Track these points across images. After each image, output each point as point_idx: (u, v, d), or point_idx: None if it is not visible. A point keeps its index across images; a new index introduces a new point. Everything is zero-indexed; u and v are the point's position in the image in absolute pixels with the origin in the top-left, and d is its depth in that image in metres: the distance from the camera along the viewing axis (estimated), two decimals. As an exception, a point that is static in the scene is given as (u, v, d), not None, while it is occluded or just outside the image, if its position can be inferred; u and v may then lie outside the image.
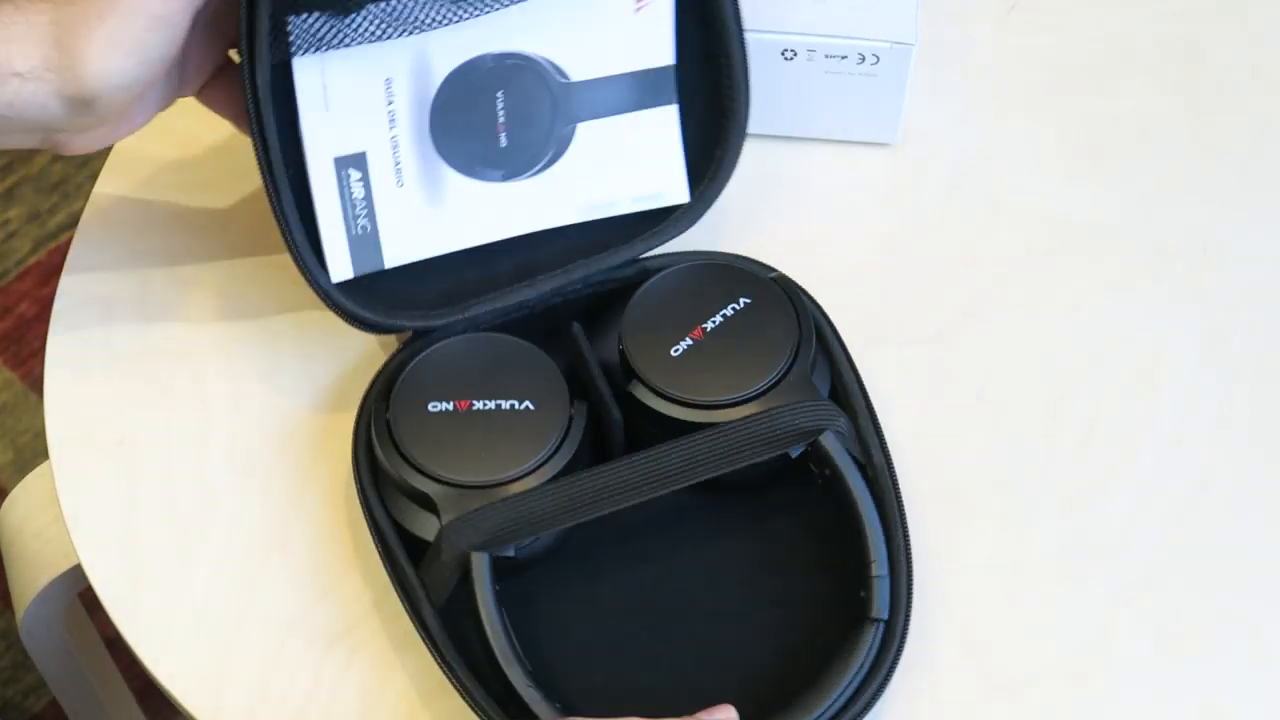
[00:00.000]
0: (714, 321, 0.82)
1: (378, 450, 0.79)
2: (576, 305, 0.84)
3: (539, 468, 0.78)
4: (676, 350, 0.81)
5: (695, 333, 0.81)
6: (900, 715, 0.78)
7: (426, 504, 0.77)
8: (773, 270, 0.85)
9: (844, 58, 0.90)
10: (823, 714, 0.75)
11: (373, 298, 0.82)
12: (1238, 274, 0.91)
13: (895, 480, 0.80)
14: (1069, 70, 0.98)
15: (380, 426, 0.79)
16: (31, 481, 0.93)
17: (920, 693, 0.78)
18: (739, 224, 0.92)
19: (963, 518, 0.83)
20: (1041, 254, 0.91)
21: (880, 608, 0.77)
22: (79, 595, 0.94)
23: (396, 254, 0.81)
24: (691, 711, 0.73)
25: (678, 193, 0.85)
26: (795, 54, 0.90)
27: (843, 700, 0.76)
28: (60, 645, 0.98)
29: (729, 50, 0.84)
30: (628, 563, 0.80)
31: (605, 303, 0.85)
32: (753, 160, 0.95)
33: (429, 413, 0.78)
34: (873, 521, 0.78)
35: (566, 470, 0.78)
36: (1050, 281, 0.90)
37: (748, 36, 0.87)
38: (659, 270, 0.84)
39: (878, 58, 0.90)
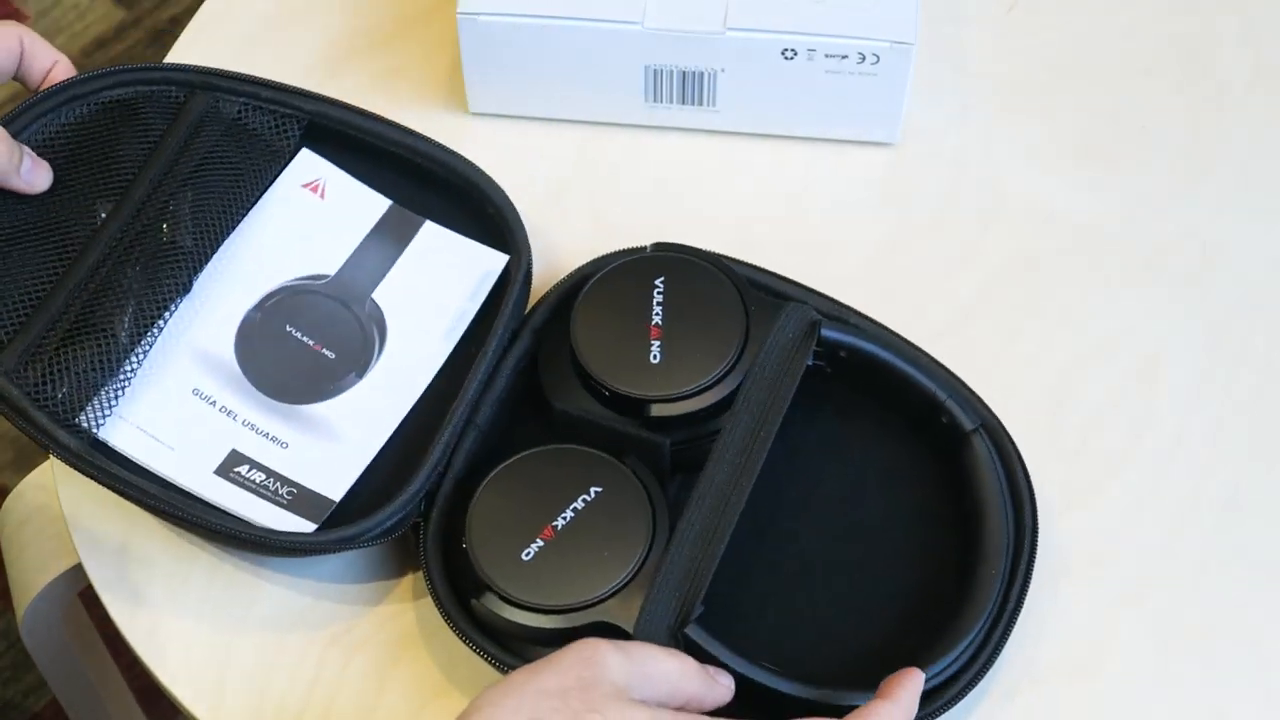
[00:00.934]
0: (658, 314, 0.82)
1: (521, 622, 0.75)
2: (513, 390, 0.83)
3: (656, 527, 0.77)
4: (655, 358, 0.81)
5: (653, 332, 0.82)
6: (900, 715, 0.78)
7: (595, 631, 0.75)
8: (642, 250, 0.86)
9: (844, 57, 0.90)
10: (1000, 540, 0.78)
11: (349, 515, 0.80)
12: (1237, 274, 0.91)
13: (885, 325, 0.84)
14: (1069, 70, 0.98)
15: (496, 606, 0.76)
16: (31, 481, 0.93)
17: (920, 693, 0.78)
18: (738, 224, 0.92)
19: (963, 518, 0.83)
20: (1041, 254, 0.91)
21: (967, 418, 0.80)
22: (79, 595, 0.94)
23: (336, 488, 0.80)
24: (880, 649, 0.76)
25: (494, 263, 0.87)
26: (795, 53, 0.90)
27: (1009, 513, 0.79)
28: (60, 645, 0.99)
29: (411, 150, 0.88)
30: (747, 551, 0.80)
31: (535, 370, 0.84)
32: (752, 160, 0.95)
33: (527, 561, 0.76)
34: (909, 361, 0.81)
35: (675, 511, 0.78)
36: (1050, 281, 0.90)
37: (749, 35, 0.88)
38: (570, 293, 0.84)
39: (878, 57, 0.90)
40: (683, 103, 0.94)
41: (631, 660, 0.70)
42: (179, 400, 0.81)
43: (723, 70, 0.91)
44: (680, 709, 0.71)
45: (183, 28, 1.02)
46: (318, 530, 0.79)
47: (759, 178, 0.94)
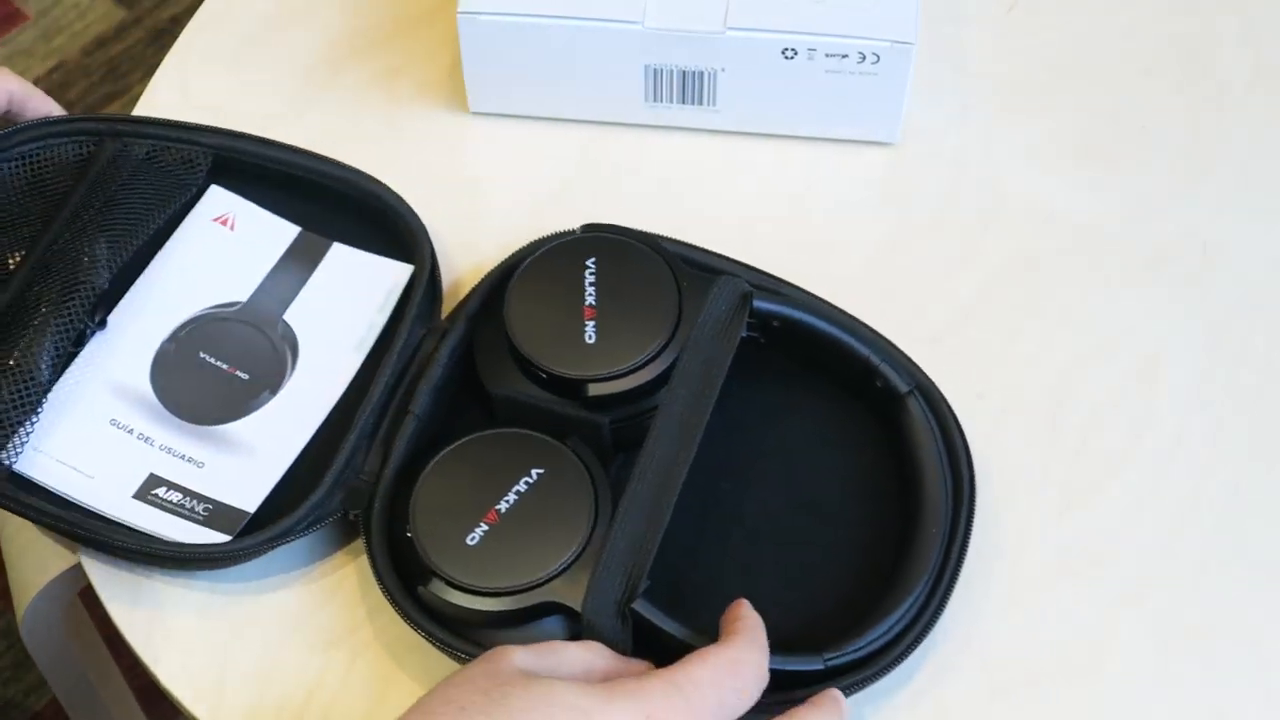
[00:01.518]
0: (591, 295, 0.83)
1: (470, 606, 0.75)
2: (451, 378, 0.84)
3: (599, 505, 0.77)
4: (590, 338, 0.81)
5: (587, 312, 0.82)
6: (901, 714, 0.78)
7: (544, 611, 0.76)
8: (572, 232, 0.86)
9: (844, 57, 0.90)
10: (939, 500, 0.79)
11: (275, 512, 0.80)
12: (1237, 274, 0.91)
13: (816, 294, 0.85)
14: (1069, 70, 0.98)
15: (444, 592, 0.76)
16: (32, 481, 0.92)
17: (921, 692, 0.78)
18: (739, 224, 0.92)
19: (963, 518, 0.83)
20: (1041, 254, 0.91)
21: (901, 381, 0.81)
22: (79, 595, 0.94)
23: (250, 501, 0.81)
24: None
25: (401, 274, 0.88)
26: (796, 53, 0.90)
27: (946, 473, 0.80)
28: (60, 645, 0.99)
29: (317, 173, 0.89)
30: (692, 524, 0.81)
31: (470, 359, 0.84)
32: (753, 159, 0.95)
33: (471, 545, 0.76)
34: (841, 328, 0.83)
35: (618, 487, 0.78)
36: (1050, 281, 0.90)
37: (749, 35, 0.88)
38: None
39: (878, 57, 0.90)
40: (683, 102, 0.94)
41: (538, 651, 0.70)
42: (97, 431, 0.82)
43: (723, 70, 0.92)
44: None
45: (183, 27, 1.02)
46: (242, 531, 0.80)
47: (759, 177, 0.95)
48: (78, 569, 0.84)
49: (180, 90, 0.98)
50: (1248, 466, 0.84)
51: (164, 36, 1.90)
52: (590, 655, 0.71)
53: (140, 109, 0.97)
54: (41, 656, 0.99)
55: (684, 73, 0.92)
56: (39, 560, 0.87)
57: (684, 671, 0.69)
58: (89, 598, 0.86)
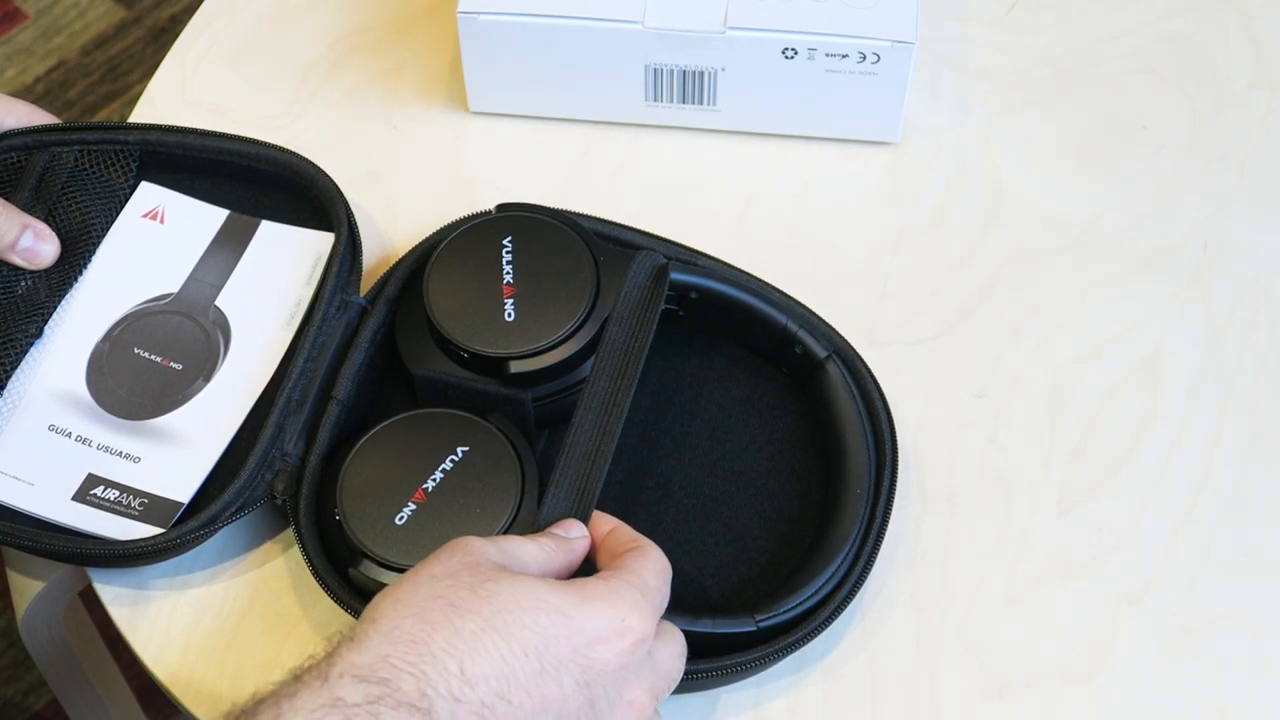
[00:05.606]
0: (509, 273, 0.83)
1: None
2: (374, 362, 0.84)
3: (525, 479, 0.78)
4: (509, 316, 0.82)
5: (505, 291, 0.83)
6: (899, 714, 0.78)
7: None
8: (488, 212, 0.87)
9: (845, 56, 0.90)
10: (862, 461, 0.80)
11: (212, 498, 0.81)
12: (1237, 272, 0.91)
13: (733, 265, 0.86)
14: (1068, 69, 0.98)
15: (374, 572, 0.76)
16: (31, 481, 0.92)
17: (920, 693, 0.78)
18: (739, 224, 0.92)
19: (963, 517, 0.83)
20: (1042, 253, 0.91)
21: (819, 347, 0.83)
22: (79, 595, 0.94)
23: (184, 491, 0.81)
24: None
25: (324, 244, 0.88)
26: (796, 53, 0.90)
27: (868, 434, 0.81)
28: (60, 644, 0.99)
29: (236, 154, 0.90)
30: (625, 494, 0.82)
31: (391, 341, 0.85)
32: (753, 159, 0.95)
33: (400, 525, 0.77)
34: (757, 297, 0.84)
35: (544, 463, 0.79)
36: (1050, 280, 0.90)
37: (749, 35, 0.88)
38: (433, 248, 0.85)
39: (878, 56, 0.90)
40: (683, 102, 0.94)
41: (501, 547, 0.70)
42: (36, 438, 0.82)
43: (723, 70, 0.92)
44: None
45: (183, 26, 1.02)
46: (181, 518, 0.80)
47: (759, 178, 0.94)
48: (78, 569, 0.84)
49: (180, 90, 0.98)
50: (1248, 466, 0.84)
51: (164, 36, 1.90)
52: (544, 555, 0.72)
53: (140, 109, 0.97)
54: (41, 657, 0.99)
55: (684, 72, 0.92)
56: (39, 560, 0.87)
57: (638, 575, 0.71)
58: (89, 598, 0.86)
